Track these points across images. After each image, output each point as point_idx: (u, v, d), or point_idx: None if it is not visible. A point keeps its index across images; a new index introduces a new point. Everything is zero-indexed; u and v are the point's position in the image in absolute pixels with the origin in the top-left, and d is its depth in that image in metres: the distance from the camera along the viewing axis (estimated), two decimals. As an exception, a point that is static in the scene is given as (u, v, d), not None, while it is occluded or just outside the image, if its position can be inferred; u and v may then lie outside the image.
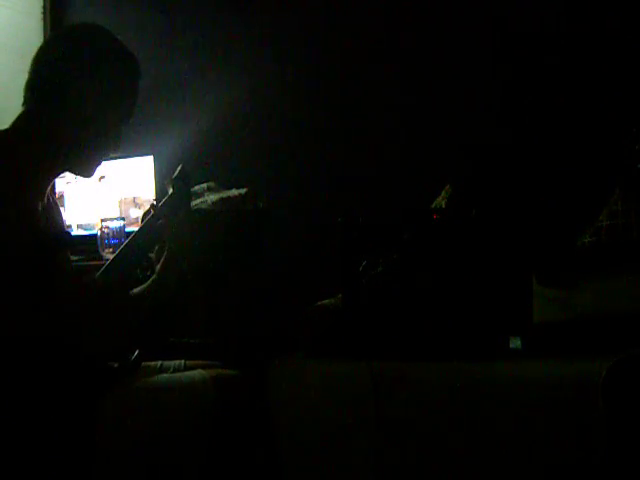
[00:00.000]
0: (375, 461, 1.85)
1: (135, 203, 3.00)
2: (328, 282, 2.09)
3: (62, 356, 1.47)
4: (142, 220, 1.78)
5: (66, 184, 3.05)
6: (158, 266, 1.62)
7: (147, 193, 2.99)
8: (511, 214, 2.44)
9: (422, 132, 2.81)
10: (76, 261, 2.66)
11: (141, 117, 1.78)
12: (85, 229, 3.05)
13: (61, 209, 1.79)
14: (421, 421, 1.83)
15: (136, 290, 1.65)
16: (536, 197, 2.56)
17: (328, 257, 2.14)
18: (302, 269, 2.85)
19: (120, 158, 2.92)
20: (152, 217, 1.64)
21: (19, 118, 1.57)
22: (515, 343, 2.03)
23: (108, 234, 2.55)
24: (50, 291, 1.50)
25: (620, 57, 2.55)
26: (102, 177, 2.98)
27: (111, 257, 1.66)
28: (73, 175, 1.68)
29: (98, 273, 1.60)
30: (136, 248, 1.62)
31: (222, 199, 2.56)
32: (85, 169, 1.64)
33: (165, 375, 1.72)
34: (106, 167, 2.90)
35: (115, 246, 2.48)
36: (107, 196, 3.01)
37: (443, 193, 2.33)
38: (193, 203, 2.53)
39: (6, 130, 1.55)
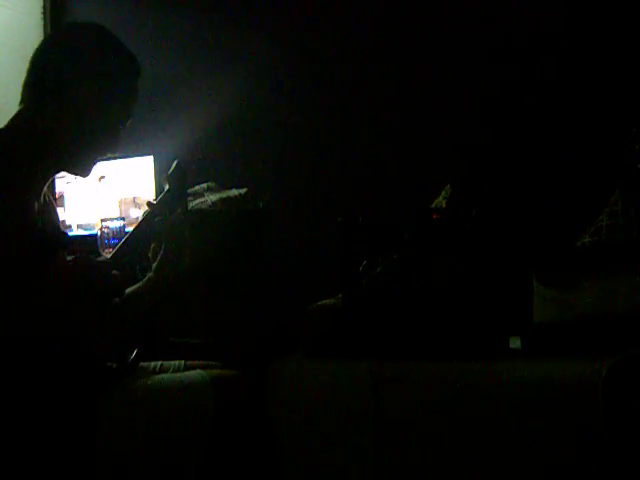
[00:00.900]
0: (375, 461, 1.85)
1: (135, 203, 3.00)
2: (328, 282, 2.09)
3: (61, 356, 1.47)
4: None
5: (66, 184, 3.05)
6: (154, 264, 1.61)
7: (147, 193, 2.99)
8: (511, 214, 2.44)
9: (422, 132, 2.81)
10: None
11: (141, 117, 1.78)
12: (85, 229, 3.05)
13: (59, 209, 1.79)
14: (421, 421, 1.83)
15: (133, 288, 1.64)
16: (536, 197, 2.56)
17: (328, 257, 2.14)
18: (302, 269, 2.85)
19: (120, 158, 2.92)
20: (148, 215, 1.63)
21: (16, 116, 1.57)
22: (515, 343, 2.03)
23: (108, 234, 2.55)
24: (45, 291, 1.50)
25: (620, 57, 2.55)
26: (102, 177, 2.98)
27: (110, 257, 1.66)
28: (72, 175, 1.68)
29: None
30: (133, 246, 1.62)
31: (222, 199, 2.56)
32: (81, 169, 1.63)
33: (165, 375, 1.72)
34: (106, 167, 2.90)
35: (115, 246, 2.48)
36: (107, 196, 3.01)
37: (443, 193, 2.33)
38: (193, 203, 2.53)
39: (2, 129, 1.55)
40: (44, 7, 3.39)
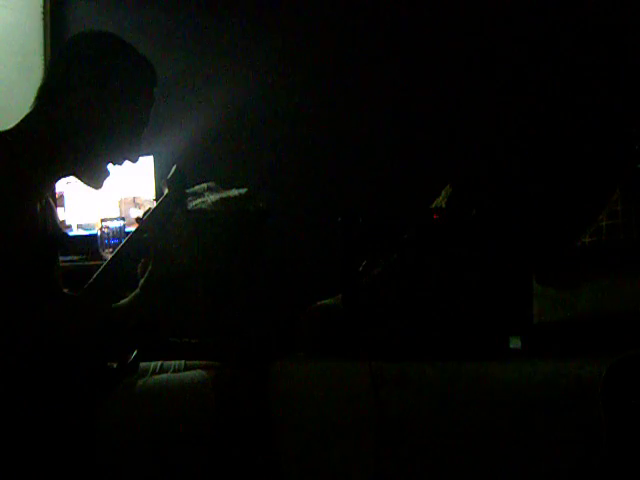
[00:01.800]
0: (375, 461, 1.85)
1: (135, 203, 3.00)
2: (328, 282, 2.09)
3: (60, 357, 1.47)
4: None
5: (66, 184, 3.05)
6: (142, 281, 1.58)
7: (147, 193, 2.99)
8: (511, 214, 2.44)
9: (422, 132, 2.81)
10: (76, 261, 2.66)
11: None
12: (85, 229, 3.05)
13: (59, 209, 1.78)
14: (421, 421, 1.83)
15: (121, 303, 1.60)
16: (536, 197, 2.57)
17: (328, 257, 2.14)
18: (302, 269, 2.85)
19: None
20: (136, 231, 1.61)
21: (25, 119, 1.56)
22: (515, 343, 2.03)
23: (108, 234, 2.55)
24: (45, 293, 1.50)
25: (620, 57, 2.56)
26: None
27: (109, 257, 1.65)
28: (85, 184, 1.65)
29: (85, 286, 1.59)
30: (120, 262, 1.59)
31: (222, 199, 2.55)
32: (93, 179, 1.62)
33: (165, 375, 1.72)
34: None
35: (115, 246, 2.48)
36: (107, 196, 3.01)
37: (443, 193, 2.33)
38: (193, 203, 2.53)
39: (10, 130, 1.54)
40: (44, 7, 3.38)
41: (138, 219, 1.65)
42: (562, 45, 2.63)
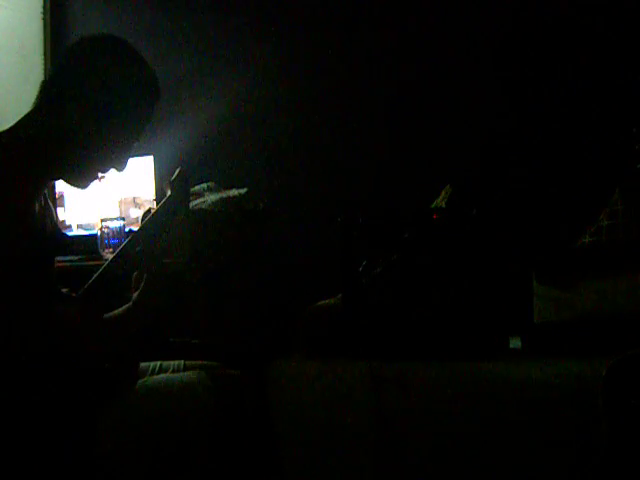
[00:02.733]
0: (375, 461, 1.85)
1: (135, 203, 3.00)
2: (328, 282, 2.09)
3: (60, 358, 1.47)
4: (141, 220, 1.76)
5: (66, 184, 3.05)
6: (135, 294, 1.57)
7: (147, 193, 2.99)
8: (511, 214, 2.44)
9: (422, 132, 2.81)
10: (76, 261, 2.66)
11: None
12: (85, 229, 3.05)
13: (59, 209, 1.77)
14: (421, 421, 1.84)
15: (114, 313, 1.59)
16: (536, 197, 2.57)
17: (328, 257, 2.14)
18: (302, 269, 2.85)
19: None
20: (128, 243, 1.60)
21: (24, 118, 1.55)
22: (515, 343, 2.03)
23: (108, 234, 2.55)
24: (44, 293, 1.49)
25: (620, 57, 2.55)
26: (102, 177, 2.97)
27: (110, 257, 1.65)
28: (69, 185, 1.64)
29: (80, 292, 1.59)
30: (113, 274, 1.58)
31: (222, 199, 2.56)
32: (80, 181, 1.61)
33: (165, 375, 1.72)
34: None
35: (115, 246, 2.48)
36: (107, 196, 3.01)
37: (443, 193, 2.33)
38: (193, 203, 2.53)
39: (6, 130, 1.54)
40: (44, 7, 3.38)
41: (132, 232, 1.62)
42: (562, 45, 2.63)
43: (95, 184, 1.64)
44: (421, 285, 1.97)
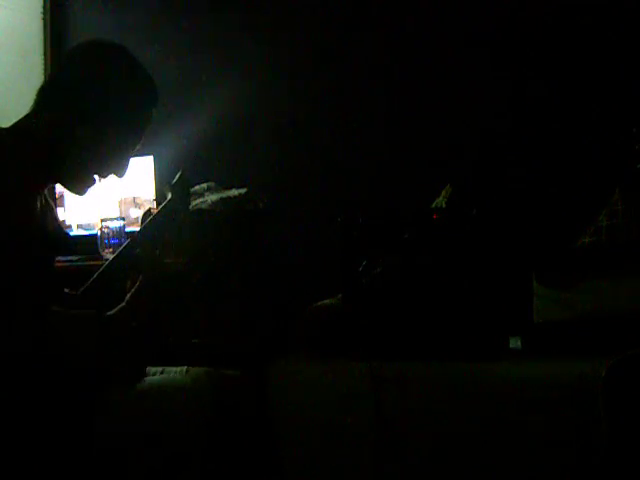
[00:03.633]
0: (375, 461, 1.85)
1: (135, 203, 3.00)
2: (328, 282, 2.10)
3: (57, 358, 1.47)
4: (142, 221, 1.76)
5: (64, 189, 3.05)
6: (129, 295, 1.57)
7: (147, 193, 2.98)
8: (511, 214, 2.44)
9: (422, 132, 2.81)
10: (76, 261, 2.66)
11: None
12: (85, 229, 3.05)
13: (59, 209, 1.77)
14: (421, 421, 1.84)
15: (109, 313, 1.59)
16: (536, 197, 2.56)
17: (328, 257, 2.14)
18: (302, 269, 2.85)
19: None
20: (127, 246, 1.60)
21: (24, 118, 1.55)
22: (515, 343, 2.03)
23: (108, 234, 2.54)
24: (45, 293, 1.49)
25: (620, 57, 2.56)
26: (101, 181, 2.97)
27: (110, 257, 1.65)
28: (67, 191, 1.64)
29: (78, 292, 1.59)
30: (110, 275, 1.59)
31: (222, 199, 2.56)
32: (77, 187, 1.61)
33: (165, 376, 1.72)
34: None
35: (115, 246, 2.48)
36: (107, 196, 3.01)
37: (443, 193, 2.33)
38: (193, 203, 2.53)
39: (7, 128, 1.54)
40: (44, 7, 3.38)
41: (131, 235, 1.62)
42: (562, 45, 2.63)
43: (94, 189, 1.63)
44: (421, 285, 1.97)
